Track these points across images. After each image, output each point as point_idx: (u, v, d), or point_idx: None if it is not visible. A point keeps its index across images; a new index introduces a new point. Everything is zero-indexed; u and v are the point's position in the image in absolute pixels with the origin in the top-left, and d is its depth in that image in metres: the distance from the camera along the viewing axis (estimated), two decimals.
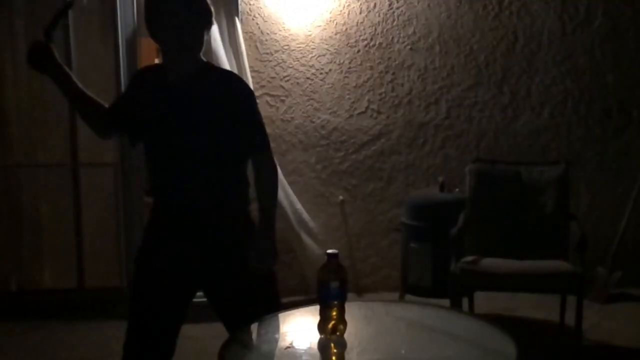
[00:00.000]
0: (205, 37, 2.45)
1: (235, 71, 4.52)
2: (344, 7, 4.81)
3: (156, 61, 8.22)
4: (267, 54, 4.79)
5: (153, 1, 2.40)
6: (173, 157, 2.42)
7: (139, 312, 2.47)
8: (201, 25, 2.41)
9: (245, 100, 2.46)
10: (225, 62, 4.46)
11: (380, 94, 4.90)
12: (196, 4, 2.39)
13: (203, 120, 2.38)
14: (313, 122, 4.87)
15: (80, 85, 2.59)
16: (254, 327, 2.25)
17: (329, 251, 2.07)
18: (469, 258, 3.90)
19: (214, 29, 4.47)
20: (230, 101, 2.40)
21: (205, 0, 2.43)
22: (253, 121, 2.45)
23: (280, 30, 4.78)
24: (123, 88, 4.58)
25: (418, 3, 4.84)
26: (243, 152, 2.46)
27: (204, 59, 2.48)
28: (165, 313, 2.46)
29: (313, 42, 4.82)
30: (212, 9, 2.46)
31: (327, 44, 4.83)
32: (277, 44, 4.80)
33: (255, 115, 2.47)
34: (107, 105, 2.57)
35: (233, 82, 2.49)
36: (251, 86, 4.54)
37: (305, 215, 4.79)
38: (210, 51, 4.41)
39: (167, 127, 2.41)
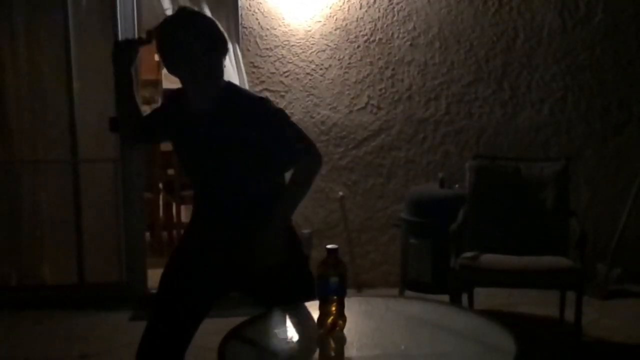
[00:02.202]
0: (224, 63, 2.47)
1: (234, 69, 4.53)
2: (343, 2, 4.80)
3: (156, 58, 8.25)
4: (267, 49, 4.78)
5: (164, 36, 2.40)
6: (207, 178, 2.49)
7: (165, 309, 2.50)
8: (216, 54, 2.41)
9: (269, 121, 2.43)
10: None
11: (380, 90, 4.90)
12: (206, 34, 2.38)
13: (229, 147, 2.40)
14: (313, 118, 4.87)
15: (134, 90, 2.67)
16: (254, 322, 2.25)
17: (329, 246, 2.07)
18: (469, 254, 3.90)
19: None
20: (255, 124, 2.40)
21: (216, 28, 2.42)
22: (282, 138, 2.43)
23: (280, 26, 4.78)
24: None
25: None
26: (281, 166, 2.50)
27: (225, 82, 2.49)
28: (192, 313, 2.49)
29: (313, 37, 4.82)
30: (226, 35, 2.47)
31: (327, 40, 4.83)
32: (276, 39, 4.79)
33: (285, 131, 2.44)
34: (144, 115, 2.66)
35: (256, 105, 2.46)
36: (246, 84, 4.56)
37: None
38: None
39: (196, 153, 2.47)
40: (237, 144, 2.39)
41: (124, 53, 2.62)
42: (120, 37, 4.56)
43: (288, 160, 2.46)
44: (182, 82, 2.46)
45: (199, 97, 2.43)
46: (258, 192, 2.48)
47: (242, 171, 2.44)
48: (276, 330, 2.25)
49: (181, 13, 2.47)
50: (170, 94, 2.69)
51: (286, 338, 2.19)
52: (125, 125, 2.64)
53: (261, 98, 2.52)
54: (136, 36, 2.74)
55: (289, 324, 2.32)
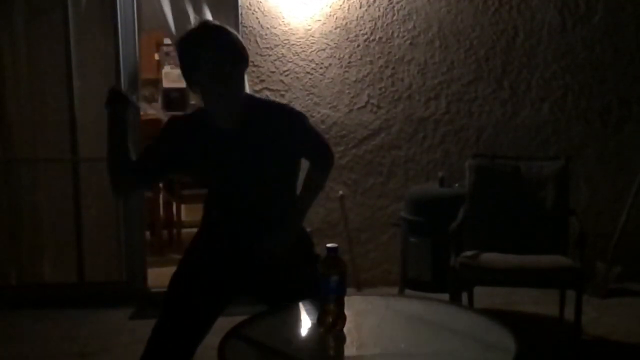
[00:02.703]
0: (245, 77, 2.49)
1: None
2: (343, 1, 4.80)
3: (156, 57, 8.25)
4: (267, 48, 4.78)
5: (186, 52, 2.38)
6: (239, 192, 2.47)
7: (176, 312, 2.47)
8: (239, 68, 2.41)
9: (295, 126, 2.51)
10: None
11: (380, 89, 4.90)
12: (230, 49, 2.37)
13: (261, 158, 2.43)
14: (313, 117, 4.87)
15: (128, 136, 2.52)
16: (254, 321, 2.26)
17: (329, 245, 2.07)
18: (469, 253, 3.91)
19: None
20: (281, 132, 2.45)
21: (238, 41, 2.42)
22: (307, 141, 2.54)
23: (280, 25, 4.78)
24: (123, 88, 4.58)
25: None
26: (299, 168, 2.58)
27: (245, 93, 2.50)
28: (203, 318, 2.46)
29: (313, 36, 4.82)
30: (247, 49, 2.46)
31: (327, 39, 4.83)
32: (276, 38, 4.79)
33: (310, 135, 2.56)
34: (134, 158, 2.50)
35: (280, 112, 2.54)
36: (246, 83, 4.55)
37: None
38: None
39: (229, 170, 2.45)
40: (269, 154, 2.43)
41: (120, 102, 2.51)
42: (118, 33, 4.56)
43: (313, 163, 2.57)
44: (203, 97, 2.44)
45: (223, 113, 2.42)
46: (288, 199, 2.54)
47: (276, 180, 2.48)
48: (276, 329, 2.25)
49: (204, 28, 2.44)
50: (176, 119, 2.61)
51: (286, 337, 2.19)
52: (117, 174, 2.49)
53: (282, 104, 2.58)
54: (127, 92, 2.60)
55: (289, 322, 2.32)
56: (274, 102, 2.64)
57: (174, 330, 2.43)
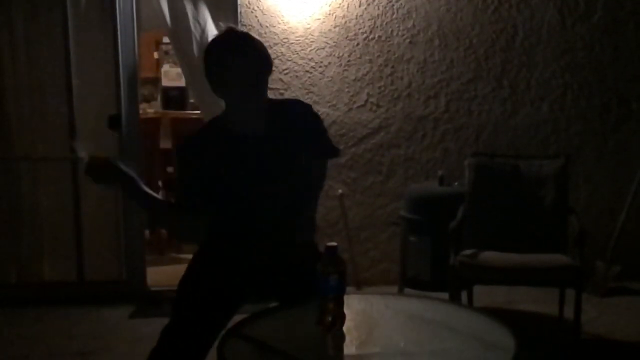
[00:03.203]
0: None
1: None
2: (342, 0, 4.80)
3: (155, 55, 8.24)
4: (266, 46, 4.76)
5: (212, 60, 2.38)
6: (262, 198, 2.45)
7: (188, 318, 2.45)
8: (264, 75, 2.43)
9: (309, 121, 2.56)
10: None
11: (380, 88, 4.90)
12: (256, 57, 2.39)
13: (288, 159, 2.45)
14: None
15: (146, 188, 2.41)
16: (254, 320, 2.26)
17: (328, 244, 2.07)
18: (468, 251, 3.91)
19: (211, 25, 4.46)
20: (300, 128, 2.49)
21: (264, 48, 2.44)
22: (319, 134, 2.59)
23: (279, 24, 4.78)
24: (123, 86, 4.59)
25: None
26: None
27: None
28: (216, 324, 2.44)
29: (312, 35, 4.81)
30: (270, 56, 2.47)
31: (326, 37, 4.83)
32: (276, 37, 4.79)
33: (320, 129, 2.61)
34: (173, 199, 2.47)
35: (296, 108, 2.57)
36: None
37: None
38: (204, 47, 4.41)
39: (252, 174, 2.42)
40: (291, 154, 2.45)
41: (99, 166, 2.35)
42: (117, 32, 4.55)
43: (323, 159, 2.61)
44: (229, 104, 2.44)
45: (249, 119, 2.42)
46: (301, 208, 2.55)
47: (301, 184, 2.49)
48: (276, 329, 2.25)
49: (232, 35, 2.44)
50: (192, 138, 2.53)
51: (286, 337, 2.19)
52: (177, 215, 2.43)
53: (293, 99, 2.61)
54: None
55: (289, 322, 2.32)
56: (285, 99, 2.65)
57: (186, 336, 2.42)
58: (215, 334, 2.38)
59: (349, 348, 2.03)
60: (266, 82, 2.45)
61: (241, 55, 2.34)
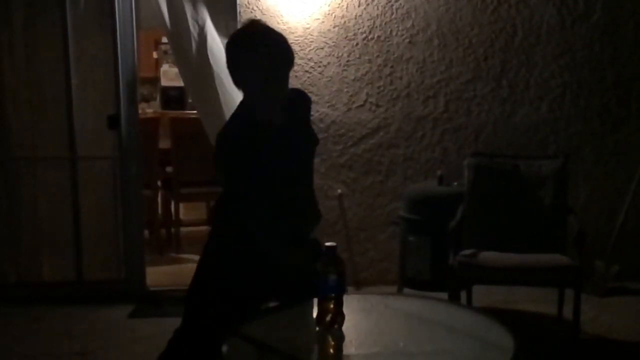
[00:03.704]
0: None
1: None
2: (342, 0, 4.80)
3: (154, 55, 8.25)
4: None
5: (235, 52, 2.40)
6: (287, 187, 2.47)
7: (206, 314, 2.46)
8: (286, 69, 2.45)
9: (308, 111, 2.69)
10: (219, 58, 4.43)
11: (379, 87, 4.90)
12: (279, 51, 2.40)
13: (304, 147, 2.56)
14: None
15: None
16: (253, 320, 2.26)
17: (327, 244, 2.07)
18: (467, 251, 3.91)
19: (210, 26, 4.46)
20: (302, 117, 2.61)
21: (286, 42, 2.44)
22: (310, 122, 2.73)
23: (278, 24, 4.77)
24: (122, 86, 4.58)
25: None
26: None
27: None
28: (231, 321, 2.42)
29: (311, 35, 4.81)
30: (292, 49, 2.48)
31: (325, 37, 4.82)
32: None
33: (309, 117, 2.74)
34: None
35: (301, 98, 2.67)
36: None
37: None
38: (205, 47, 4.40)
39: (283, 164, 2.44)
40: (308, 141, 2.58)
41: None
42: (116, 30, 4.55)
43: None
44: (251, 97, 2.45)
45: (272, 110, 2.45)
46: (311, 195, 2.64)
47: (311, 170, 2.59)
48: (276, 329, 2.25)
49: (253, 29, 2.45)
50: (239, 127, 2.48)
51: (286, 336, 2.19)
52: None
53: (299, 89, 2.79)
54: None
55: (289, 322, 2.32)
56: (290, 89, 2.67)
57: (204, 333, 2.42)
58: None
59: (348, 348, 2.03)
60: (286, 76, 2.46)
61: (267, 52, 2.35)
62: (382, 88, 4.90)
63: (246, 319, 2.36)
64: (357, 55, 4.87)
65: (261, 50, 2.35)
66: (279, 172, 2.43)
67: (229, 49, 2.42)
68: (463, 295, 3.84)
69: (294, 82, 4.80)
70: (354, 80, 4.89)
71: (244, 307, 2.43)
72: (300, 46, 4.81)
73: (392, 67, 4.89)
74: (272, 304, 2.55)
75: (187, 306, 2.55)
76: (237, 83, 2.43)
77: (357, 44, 4.86)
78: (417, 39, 4.88)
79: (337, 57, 4.86)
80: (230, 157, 2.40)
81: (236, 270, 2.46)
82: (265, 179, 2.37)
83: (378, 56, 4.88)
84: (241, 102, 2.52)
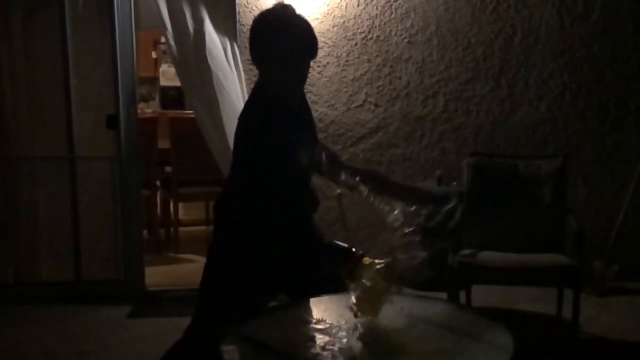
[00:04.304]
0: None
1: (231, 65, 4.52)
2: (341, 0, 4.80)
3: (153, 55, 8.23)
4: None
5: (259, 33, 2.42)
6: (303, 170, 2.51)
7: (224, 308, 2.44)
8: (309, 60, 2.50)
9: None
10: (218, 58, 4.43)
11: (378, 87, 4.90)
12: (306, 37, 2.45)
13: (314, 134, 2.64)
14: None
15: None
16: (253, 319, 2.25)
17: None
18: (467, 251, 3.90)
19: (209, 25, 4.45)
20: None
21: (312, 31, 2.48)
22: None
23: None
24: (121, 86, 4.58)
25: None
26: None
27: None
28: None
29: None
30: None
31: (324, 37, 4.82)
32: None
33: None
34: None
35: None
36: (244, 81, 4.56)
37: None
38: (204, 47, 4.39)
39: (302, 145, 2.45)
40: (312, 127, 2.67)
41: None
42: (115, 31, 4.54)
43: None
44: (271, 79, 2.46)
45: (286, 90, 2.46)
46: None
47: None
48: (276, 329, 2.25)
49: (284, 10, 2.47)
50: (272, 106, 2.49)
51: (286, 336, 2.18)
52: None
53: None
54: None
55: (289, 322, 2.32)
56: None
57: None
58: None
59: (347, 347, 2.03)
60: (307, 63, 2.48)
61: (285, 37, 2.38)
62: (381, 88, 4.91)
63: (252, 314, 2.37)
64: (356, 55, 4.87)
65: (290, 30, 2.38)
66: (292, 151, 2.41)
67: (258, 27, 2.43)
68: (462, 295, 3.84)
69: None
70: (353, 80, 4.89)
71: (252, 302, 2.44)
72: None
73: (391, 67, 4.89)
74: (274, 303, 2.55)
75: (198, 305, 2.53)
76: (259, 61, 2.45)
77: (356, 44, 4.86)
78: (416, 38, 4.88)
79: (336, 57, 4.85)
80: (255, 129, 2.40)
81: (244, 265, 2.44)
82: (280, 158, 2.37)
83: (377, 56, 4.88)
84: (258, 83, 2.54)
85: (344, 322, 2.14)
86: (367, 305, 2.11)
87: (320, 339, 2.06)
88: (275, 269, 2.44)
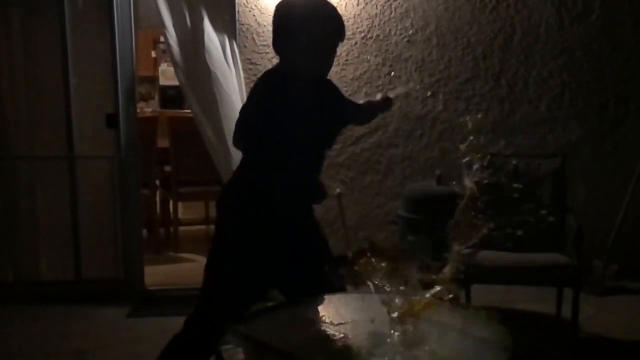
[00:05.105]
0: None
1: (230, 64, 4.51)
2: None
3: (153, 54, 8.23)
4: (264, 45, 4.77)
5: (284, 16, 2.42)
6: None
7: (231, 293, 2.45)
8: (333, 41, 2.48)
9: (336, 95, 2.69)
10: (216, 58, 4.43)
11: (378, 87, 4.90)
12: (334, 24, 2.43)
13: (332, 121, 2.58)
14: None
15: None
16: (252, 318, 2.25)
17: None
18: (466, 251, 3.90)
19: (208, 24, 4.45)
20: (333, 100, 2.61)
21: (338, 16, 2.44)
22: None
23: None
24: (120, 85, 4.58)
25: None
26: None
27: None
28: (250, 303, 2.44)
29: None
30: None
31: None
32: None
33: None
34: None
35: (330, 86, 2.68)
36: (243, 80, 4.56)
37: None
38: (202, 46, 4.39)
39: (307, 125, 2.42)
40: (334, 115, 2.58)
41: None
42: (115, 29, 4.54)
43: None
44: (292, 62, 2.44)
45: (307, 73, 2.42)
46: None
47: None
48: (276, 328, 2.25)
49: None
50: (276, 78, 2.51)
51: (286, 336, 2.18)
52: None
53: None
54: None
55: (289, 321, 2.32)
56: None
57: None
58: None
59: (346, 347, 2.03)
60: (330, 51, 2.46)
61: (311, 21, 2.35)
62: (380, 87, 4.90)
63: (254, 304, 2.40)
64: (356, 55, 4.87)
65: (314, 21, 2.36)
66: (305, 127, 2.40)
67: (287, 12, 2.41)
68: (462, 294, 3.84)
69: None
70: (352, 79, 4.88)
71: (256, 289, 2.45)
72: None
73: (390, 66, 4.89)
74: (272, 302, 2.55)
75: (201, 296, 2.53)
76: (282, 45, 2.43)
77: (355, 43, 4.86)
78: (416, 38, 4.88)
79: (336, 56, 4.84)
80: (271, 101, 2.40)
81: (249, 252, 2.45)
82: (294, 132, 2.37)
83: (377, 55, 4.88)
84: (280, 63, 2.50)
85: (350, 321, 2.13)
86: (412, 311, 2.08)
87: (320, 339, 2.06)
88: (277, 255, 2.44)
